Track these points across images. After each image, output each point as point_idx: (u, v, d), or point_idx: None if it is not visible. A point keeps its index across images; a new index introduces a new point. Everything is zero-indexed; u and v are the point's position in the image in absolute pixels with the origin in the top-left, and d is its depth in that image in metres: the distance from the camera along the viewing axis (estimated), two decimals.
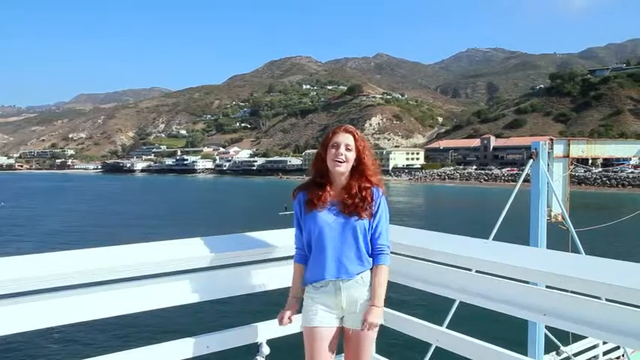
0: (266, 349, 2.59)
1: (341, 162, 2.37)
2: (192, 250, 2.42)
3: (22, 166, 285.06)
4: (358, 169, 2.42)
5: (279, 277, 2.68)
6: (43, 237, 37.51)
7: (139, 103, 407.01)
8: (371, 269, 2.43)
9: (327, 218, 2.36)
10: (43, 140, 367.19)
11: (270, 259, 2.65)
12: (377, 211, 2.42)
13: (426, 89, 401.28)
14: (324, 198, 2.38)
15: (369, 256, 2.42)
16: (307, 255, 2.44)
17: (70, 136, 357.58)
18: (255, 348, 2.60)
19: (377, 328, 2.41)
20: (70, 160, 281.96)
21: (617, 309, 1.90)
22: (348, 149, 2.38)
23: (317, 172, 2.45)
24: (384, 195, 2.47)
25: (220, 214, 55.98)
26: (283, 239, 2.69)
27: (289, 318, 2.40)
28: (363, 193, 2.38)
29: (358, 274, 2.38)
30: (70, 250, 2.20)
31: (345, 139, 2.40)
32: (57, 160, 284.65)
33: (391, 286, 2.71)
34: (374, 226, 2.42)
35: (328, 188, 2.41)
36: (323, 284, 2.37)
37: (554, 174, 7.63)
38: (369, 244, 2.42)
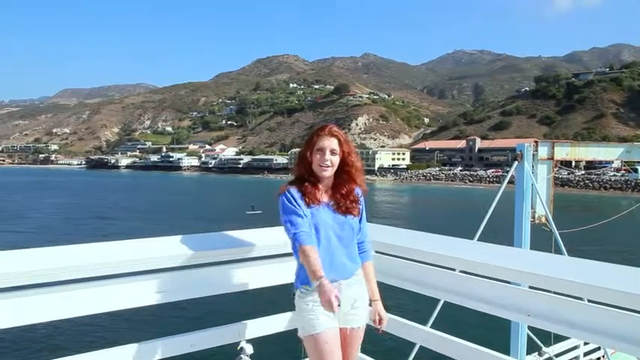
0: (250, 349, 2.59)
1: (327, 167, 2.35)
2: (168, 248, 2.38)
3: (4, 160, 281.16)
4: (344, 171, 2.41)
5: (255, 277, 2.66)
6: (20, 231, 37.01)
7: (124, 98, 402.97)
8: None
9: (325, 217, 2.33)
10: (26, 135, 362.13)
11: (247, 258, 2.61)
12: (362, 212, 2.47)
13: (413, 90, 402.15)
14: (319, 196, 2.35)
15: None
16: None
17: (54, 131, 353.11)
18: (239, 347, 2.59)
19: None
20: (53, 155, 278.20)
21: (599, 310, 1.93)
22: (333, 153, 2.36)
23: (304, 172, 2.40)
24: (364, 195, 2.50)
25: (197, 211, 55.66)
26: (260, 239, 2.67)
27: (336, 297, 2.08)
28: (352, 194, 2.41)
29: (356, 271, 2.40)
30: (42, 248, 2.16)
31: (330, 143, 2.36)
32: (40, 155, 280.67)
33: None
34: (360, 225, 2.47)
35: (320, 187, 2.38)
36: None
37: (539, 176, 7.71)
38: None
